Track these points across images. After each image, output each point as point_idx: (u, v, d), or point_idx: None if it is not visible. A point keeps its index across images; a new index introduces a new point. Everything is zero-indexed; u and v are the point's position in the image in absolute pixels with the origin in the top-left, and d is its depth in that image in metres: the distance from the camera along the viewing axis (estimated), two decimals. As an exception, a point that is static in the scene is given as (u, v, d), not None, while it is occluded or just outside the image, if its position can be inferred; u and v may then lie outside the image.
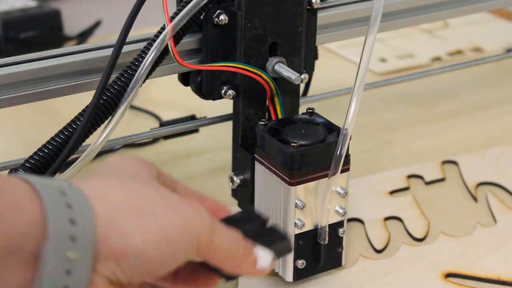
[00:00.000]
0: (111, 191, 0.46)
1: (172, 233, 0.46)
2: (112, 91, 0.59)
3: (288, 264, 0.63)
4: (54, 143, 0.58)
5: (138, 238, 0.44)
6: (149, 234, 0.45)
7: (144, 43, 0.61)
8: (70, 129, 0.58)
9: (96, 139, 0.59)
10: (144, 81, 0.60)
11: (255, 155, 0.64)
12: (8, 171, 0.58)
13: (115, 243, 0.44)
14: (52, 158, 0.57)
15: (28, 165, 0.56)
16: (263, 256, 0.49)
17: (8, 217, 0.41)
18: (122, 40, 0.59)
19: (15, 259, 0.41)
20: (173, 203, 0.47)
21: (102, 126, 0.59)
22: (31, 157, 0.57)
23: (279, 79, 0.65)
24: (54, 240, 0.42)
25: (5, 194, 0.42)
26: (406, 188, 0.78)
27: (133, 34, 0.62)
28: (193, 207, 0.47)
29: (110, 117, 0.59)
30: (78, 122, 0.58)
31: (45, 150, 0.57)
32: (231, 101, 0.67)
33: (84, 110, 0.59)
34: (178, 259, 0.46)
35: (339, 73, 1.00)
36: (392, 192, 0.77)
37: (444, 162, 0.82)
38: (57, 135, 0.58)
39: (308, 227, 0.62)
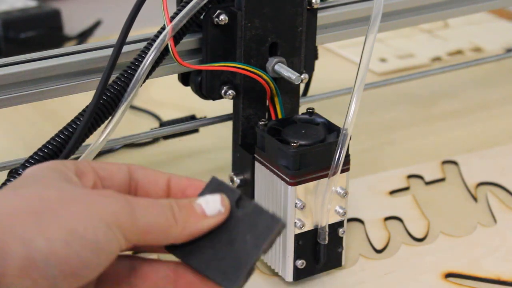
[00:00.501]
0: (3, 200, 0.42)
1: (81, 226, 0.42)
2: (112, 91, 0.59)
3: (288, 264, 0.63)
4: (54, 143, 0.58)
5: (41, 241, 0.41)
6: (53, 234, 0.41)
7: (144, 43, 0.61)
8: (70, 129, 0.58)
9: (96, 139, 0.59)
10: (144, 81, 0.60)
11: (255, 155, 0.64)
12: (8, 171, 0.57)
13: (17, 254, 0.40)
14: (52, 158, 0.57)
15: (28, 165, 0.56)
16: (209, 201, 0.45)
17: None
18: (122, 40, 0.59)
19: None
20: (78, 197, 0.43)
21: (102, 126, 0.59)
22: (31, 157, 0.57)
23: (279, 79, 0.65)
24: None
25: None
26: (406, 188, 0.78)
27: (133, 34, 0.62)
28: (101, 194, 0.44)
29: (110, 117, 0.59)
30: (78, 122, 0.58)
31: (45, 150, 0.57)
32: (231, 101, 0.67)
33: (84, 110, 0.59)
34: (103, 253, 0.43)
35: (339, 73, 1.00)
36: (392, 192, 0.77)
37: (444, 162, 0.82)
38: (57, 135, 0.58)
39: (308, 227, 0.62)
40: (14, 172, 0.56)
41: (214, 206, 0.46)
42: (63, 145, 0.58)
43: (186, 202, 0.46)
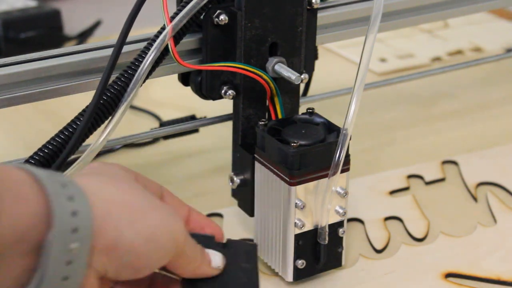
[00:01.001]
0: (104, 187, 0.48)
1: (159, 232, 0.48)
2: (112, 91, 0.59)
3: (288, 264, 0.63)
4: (54, 143, 0.58)
5: (130, 233, 0.46)
6: (139, 230, 0.47)
7: (144, 43, 0.61)
8: (70, 129, 0.58)
9: (96, 139, 0.59)
10: (144, 81, 0.60)
11: (255, 155, 0.64)
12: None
13: (109, 235, 0.45)
14: (52, 158, 0.57)
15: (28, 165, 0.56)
16: (215, 255, 0.53)
17: (14, 210, 0.42)
18: (122, 40, 0.59)
19: (18, 249, 0.42)
20: (156, 204, 0.49)
21: (102, 126, 0.59)
22: (31, 157, 0.57)
23: (279, 79, 0.65)
24: (58, 232, 0.43)
25: (9, 185, 0.42)
26: (406, 188, 0.78)
27: (133, 34, 0.62)
28: (171, 211, 0.50)
29: (110, 117, 0.59)
30: (78, 122, 0.58)
31: (46, 150, 0.57)
32: (231, 101, 0.67)
33: (84, 110, 0.59)
34: (161, 259, 0.48)
35: (339, 73, 1.00)
36: (392, 192, 0.77)
37: (444, 162, 0.82)
38: (57, 135, 0.58)
39: (308, 227, 0.62)
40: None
41: (217, 261, 0.53)
42: (63, 145, 0.58)
43: (203, 249, 0.53)
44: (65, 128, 0.58)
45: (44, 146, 0.58)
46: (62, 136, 0.58)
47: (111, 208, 0.46)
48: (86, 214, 0.44)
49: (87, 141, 0.59)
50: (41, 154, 0.57)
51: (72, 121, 0.59)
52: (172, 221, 0.49)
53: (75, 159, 0.59)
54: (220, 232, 0.55)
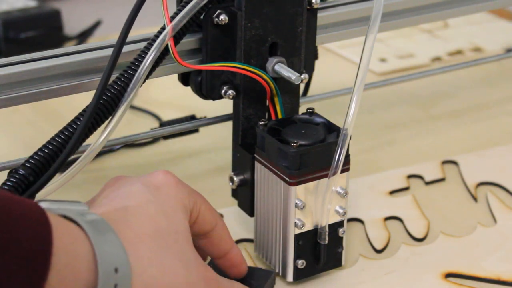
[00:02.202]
0: (149, 267, 0.51)
1: (182, 272, 0.52)
2: (112, 91, 0.59)
3: (288, 264, 0.63)
4: (55, 143, 0.57)
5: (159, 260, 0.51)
6: (167, 260, 0.52)
7: (144, 43, 0.61)
8: (70, 129, 0.58)
9: (96, 139, 0.59)
10: (144, 81, 0.60)
11: (255, 155, 0.64)
12: (8, 171, 0.57)
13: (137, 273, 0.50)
14: (52, 158, 0.57)
15: (28, 165, 0.56)
16: None
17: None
18: (122, 40, 0.59)
19: None
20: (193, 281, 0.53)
21: (102, 126, 0.59)
22: (31, 157, 0.57)
23: (279, 79, 0.65)
24: None
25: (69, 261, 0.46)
26: (406, 188, 0.78)
27: (133, 34, 0.62)
28: (204, 266, 0.55)
29: (110, 117, 0.59)
30: (78, 122, 0.58)
31: (46, 150, 0.57)
32: (231, 101, 0.67)
33: (84, 110, 0.59)
34: None
35: (339, 73, 1.00)
36: (392, 192, 0.77)
37: (444, 162, 0.82)
38: (57, 135, 0.58)
39: (308, 227, 0.62)
40: (14, 172, 0.56)
41: None
42: (63, 145, 0.58)
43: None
44: (65, 128, 0.58)
45: (44, 146, 0.57)
46: (62, 136, 0.58)
47: None
48: None
49: (87, 141, 0.59)
50: (41, 154, 0.57)
51: (72, 121, 0.59)
52: (203, 269, 0.54)
53: (75, 159, 0.59)
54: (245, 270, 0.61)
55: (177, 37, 0.61)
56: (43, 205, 0.48)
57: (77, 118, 0.59)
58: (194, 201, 0.57)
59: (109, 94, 0.59)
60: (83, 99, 0.62)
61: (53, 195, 0.56)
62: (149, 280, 0.50)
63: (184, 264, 0.53)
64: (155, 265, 0.51)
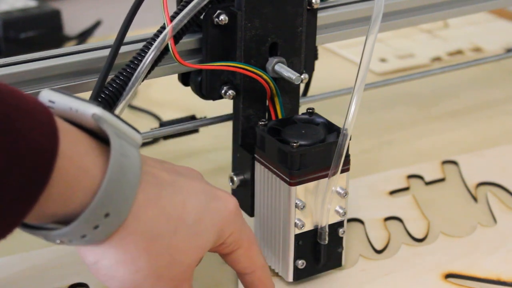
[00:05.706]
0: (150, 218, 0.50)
1: None
2: (111, 89, 0.59)
3: (288, 264, 0.63)
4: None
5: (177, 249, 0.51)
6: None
7: (144, 43, 0.60)
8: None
9: (96, 139, 0.59)
10: (142, 80, 0.60)
11: (255, 155, 0.64)
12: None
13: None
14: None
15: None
16: None
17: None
18: (120, 40, 0.59)
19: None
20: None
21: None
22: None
23: (279, 79, 0.65)
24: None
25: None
26: (406, 188, 0.78)
27: (132, 34, 0.62)
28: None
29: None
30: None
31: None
32: (231, 101, 0.67)
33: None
34: None
35: (339, 73, 1.00)
36: (392, 192, 0.77)
37: (444, 162, 0.82)
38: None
39: (308, 227, 0.62)
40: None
41: None
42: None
43: None
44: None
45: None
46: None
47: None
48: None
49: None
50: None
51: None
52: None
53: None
54: None
55: (177, 37, 0.61)
56: (99, 112, 0.48)
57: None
58: (236, 240, 0.55)
59: (107, 93, 0.58)
60: (83, 99, 0.62)
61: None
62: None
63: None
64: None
